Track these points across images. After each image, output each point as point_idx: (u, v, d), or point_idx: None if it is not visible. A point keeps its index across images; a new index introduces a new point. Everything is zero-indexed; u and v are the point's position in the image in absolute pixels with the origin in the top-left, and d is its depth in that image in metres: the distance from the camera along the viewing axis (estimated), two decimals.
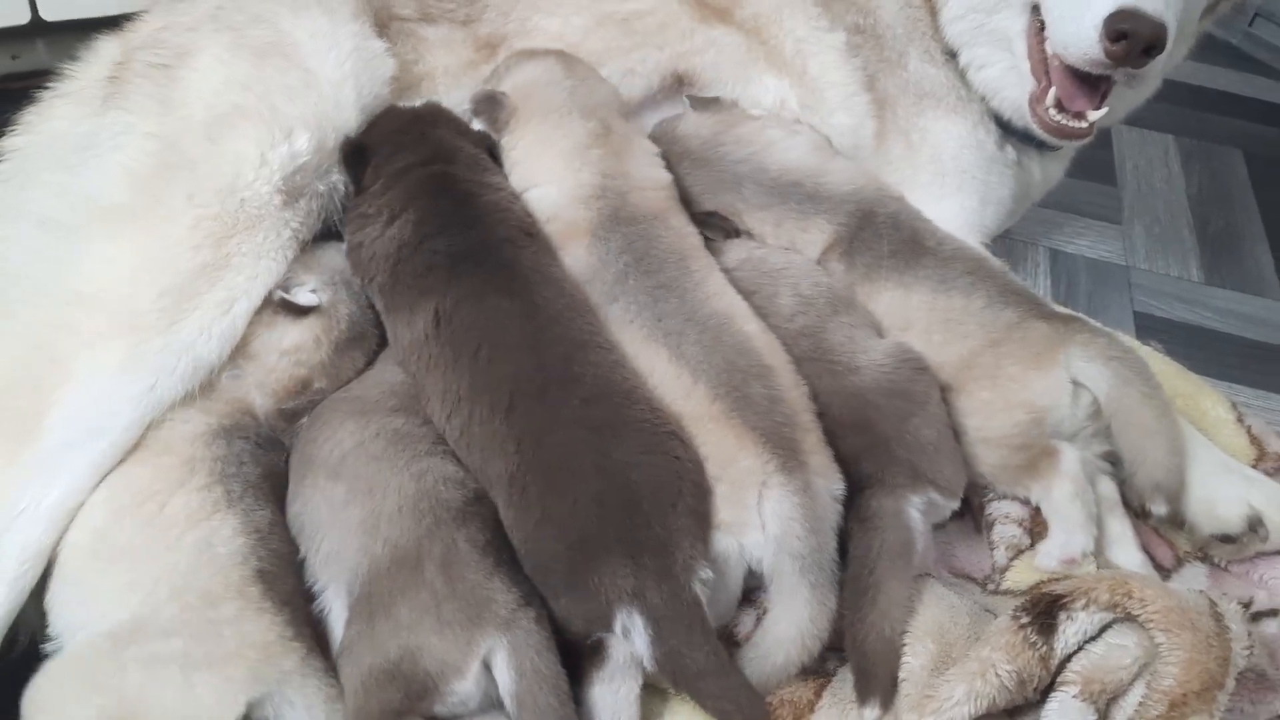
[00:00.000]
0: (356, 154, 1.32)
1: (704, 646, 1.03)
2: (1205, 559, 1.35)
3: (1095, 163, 2.17)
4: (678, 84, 1.60)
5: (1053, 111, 1.48)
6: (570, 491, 1.07)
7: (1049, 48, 1.48)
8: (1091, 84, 1.46)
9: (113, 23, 1.47)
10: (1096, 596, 1.09)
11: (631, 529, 1.05)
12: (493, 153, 1.40)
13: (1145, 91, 1.62)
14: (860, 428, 1.22)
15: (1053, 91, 1.48)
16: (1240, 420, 1.48)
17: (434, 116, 1.38)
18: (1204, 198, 2.14)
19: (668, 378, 1.20)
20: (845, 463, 1.20)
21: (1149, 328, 1.78)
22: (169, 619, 1.00)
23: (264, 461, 1.18)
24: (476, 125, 1.42)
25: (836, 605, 1.12)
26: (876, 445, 1.21)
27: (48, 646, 1.05)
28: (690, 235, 1.36)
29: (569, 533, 1.06)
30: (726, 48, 1.60)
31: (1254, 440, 1.46)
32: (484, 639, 1.01)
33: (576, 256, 1.31)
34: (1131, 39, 1.34)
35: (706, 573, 1.06)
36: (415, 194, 1.27)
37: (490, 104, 1.41)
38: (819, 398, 1.23)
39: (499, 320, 1.18)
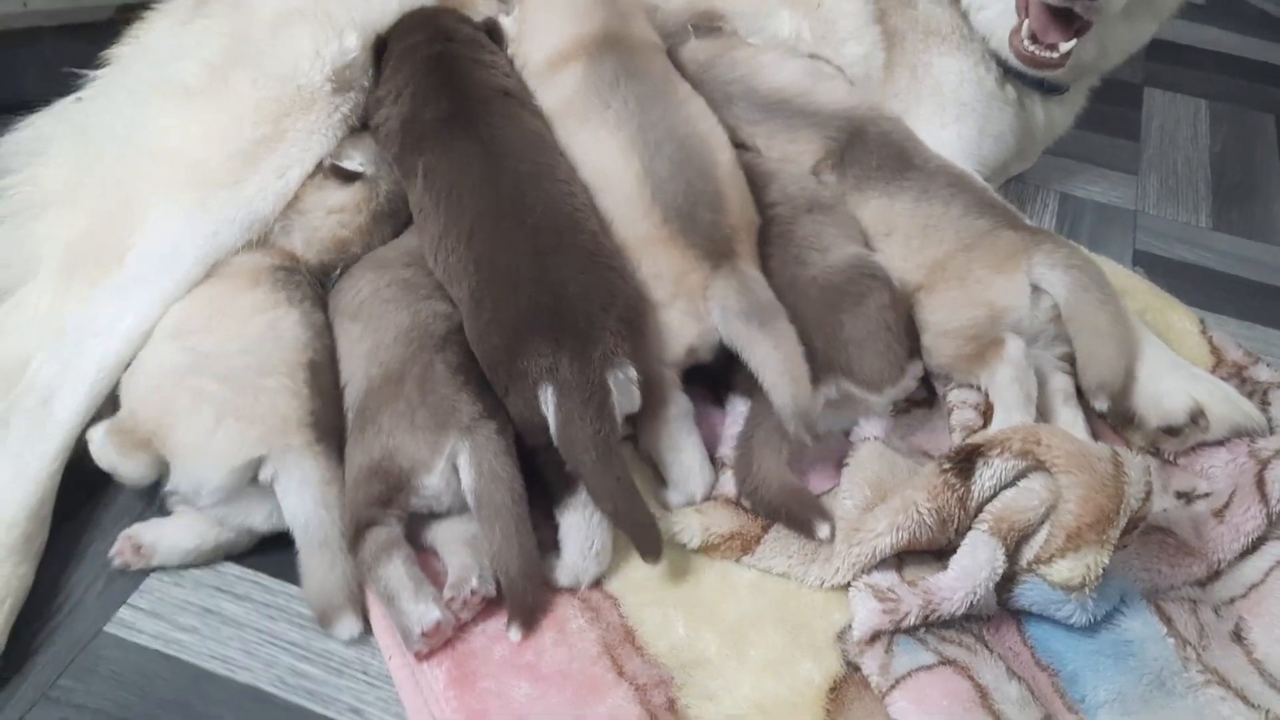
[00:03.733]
0: (379, 47, 1.52)
1: (595, 424, 1.15)
2: (1156, 453, 1.44)
3: (1122, 121, 2.24)
4: (703, 17, 1.76)
5: (1027, 43, 1.60)
6: (513, 298, 1.22)
7: None
8: (1064, 19, 1.57)
9: None
10: (1010, 445, 1.21)
11: (557, 320, 1.20)
12: (493, 35, 1.57)
13: (1135, 35, 1.72)
14: (789, 315, 1.32)
15: (1026, 24, 1.59)
16: (1204, 332, 1.57)
17: (440, 10, 1.57)
18: (1226, 155, 2.18)
19: (633, 194, 1.36)
20: None
21: (1145, 264, 1.85)
22: (229, 369, 1.21)
23: (318, 291, 1.39)
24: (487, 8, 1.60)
25: (793, 330, 1.27)
26: (800, 334, 1.30)
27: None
28: (675, 71, 1.52)
29: (508, 329, 1.21)
30: None
31: (1214, 350, 1.55)
32: (448, 441, 1.17)
33: (574, 73, 1.47)
34: None
35: (626, 374, 1.19)
36: (415, 73, 1.45)
37: None
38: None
39: (464, 162, 1.35)
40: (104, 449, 1.19)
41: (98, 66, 1.58)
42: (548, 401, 1.17)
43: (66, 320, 1.31)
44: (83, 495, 1.29)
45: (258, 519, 1.21)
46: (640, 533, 1.17)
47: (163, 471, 1.20)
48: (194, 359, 1.22)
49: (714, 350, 1.34)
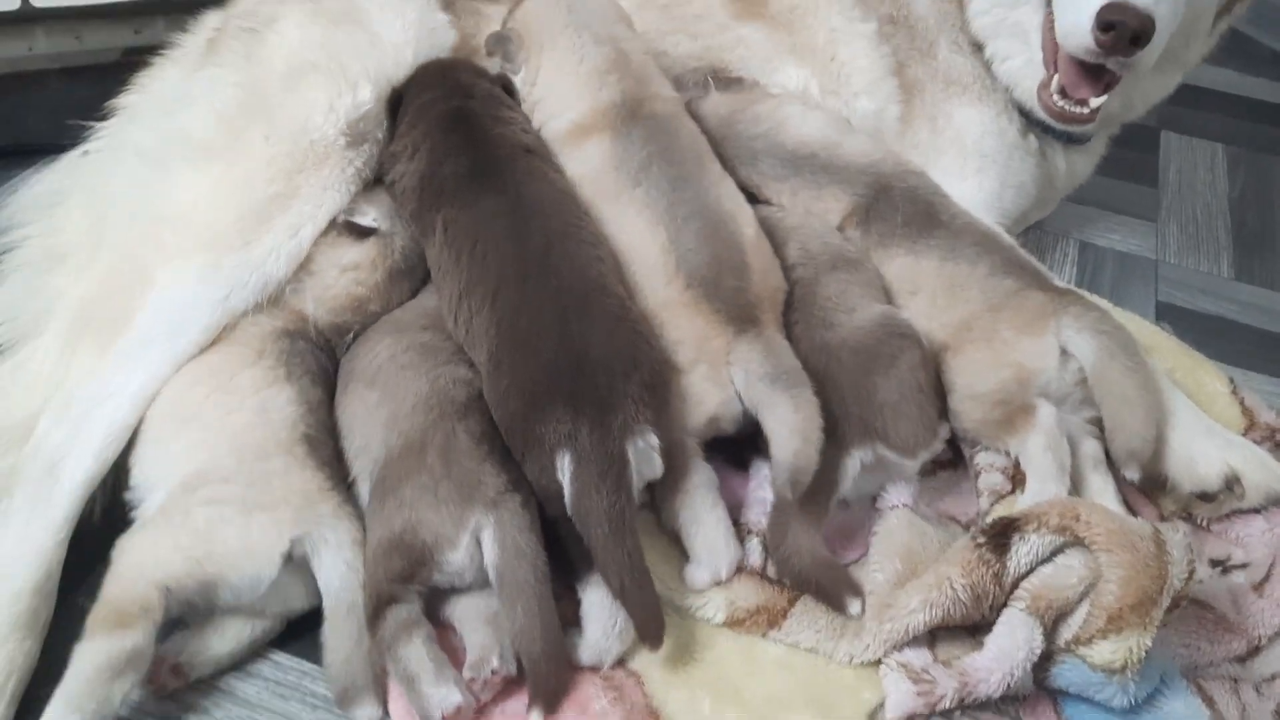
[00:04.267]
0: (394, 101, 1.49)
1: (610, 497, 1.10)
2: (1188, 518, 1.41)
3: (1139, 165, 2.22)
4: (709, 73, 1.74)
5: (1056, 98, 1.58)
6: (534, 361, 1.19)
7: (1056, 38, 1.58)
8: (1094, 74, 1.55)
9: (221, 0, 1.69)
10: (1047, 520, 1.17)
11: (577, 386, 1.16)
12: (509, 90, 1.54)
13: (1160, 86, 1.70)
14: (819, 379, 1.30)
15: (1056, 78, 1.57)
16: (1235, 393, 1.54)
17: (456, 64, 1.55)
18: (1245, 201, 2.16)
19: (656, 263, 1.34)
20: None
21: (1169, 317, 1.82)
22: (228, 468, 1.17)
23: (320, 360, 1.35)
24: (492, 68, 1.56)
25: (817, 400, 1.24)
26: (831, 398, 1.29)
27: (127, 494, 1.22)
28: (704, 140, 1.49)
29: (527, 393, 1.17)
30: (754, 45, 1.73)
31: (1246, 411, 1.52)
32: (473, 515, 1.13)
33: (601, 148, 1.44)
34: (1119, 29, 1.44)
35: (648, 441, 1.15)
36: (433, 128, 1.42)
37: (500, 41, 1.55)
38: (790, 345, 1.34)
39: (490, 217, 1.32)
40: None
41: (104, 112, 1.56)
42: (564, 470, 1.14)
43: (74, 384, 1.27)
44: (87, 567, 1.24)
45: (298, 598, 1.17)
46: (645, 615, 1.13)
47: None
48: (185, 485, 1.17)
49: (737, 421, 1.30)
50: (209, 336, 1.32)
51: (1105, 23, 1.45)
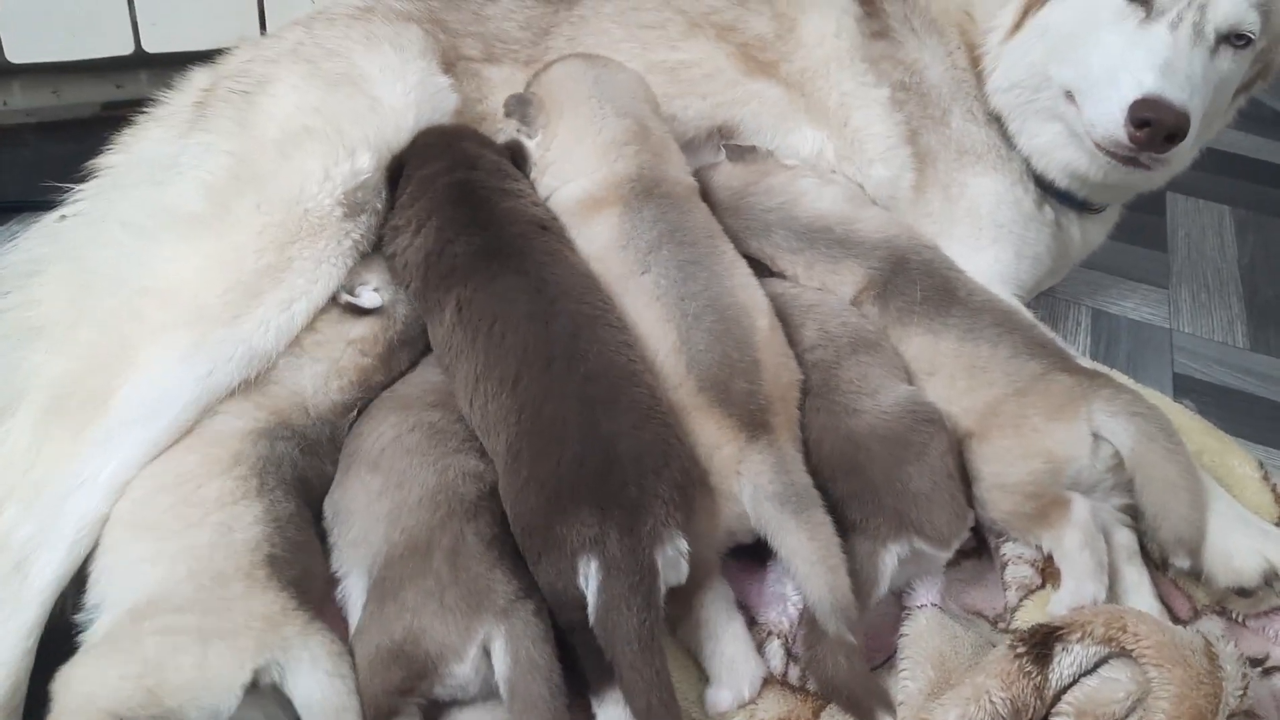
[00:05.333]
0: (394, 169, 1.41)
1: (641, 613, 1.03)
2: (1222, 612, 1.35)
3: (1147, 229, 2.18)
4: (719, 132, 1.68)
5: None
6: (556, 454, 1.11)
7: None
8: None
9: (208, 56, 1.61)
10: (1092, 630, 1.11)
11: (605, 485, 1.08)
12: (516, 160, 1.48)
13: (1180, 159, 1.65)
14: (849, 470, 1.26)
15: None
16: (1266, 478, 1.48)
17: (459, 131, 1.48)
18: (1256, 267, 2.13)
19: (666, 365, 1.27)
20: (834, 508, 1.22)
21: (1187, 389, 1.78)
22: (183, 596, 1.08)
23: (302, 465, 1.25)
24: (509, 130, 1.51)
25: (830, 521, 1.18)
26: (864, 490, 1.24)
27: (79, 616, 1.12)
28: (717, 224, 1.43)
29: (548, 489, 1.09)
30: (768, 101, 1.68)
31: (1278, 498, 1.46)
32: (482, 626, 1.05)
33: (610, 224, 1.38)
34: (1155, 127, 1.39)
35: (678, 548, 1.09)
36: (439, 203, 1.35)
37: (521, 104, 1.50)
38: (812, 433, 1.28)
39: (510, 296, 1.24)
40: None
41: (83, 171, 1.48)
42: (589, 577, 1.06)
43: (45, 472, 1.19)
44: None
45: None
46: None
47: None
48: (135, 613, 1.08)
49: (752, 534, 1.22)
50: (190, 416, 1.24)
51: (1140, 119, 1.40)
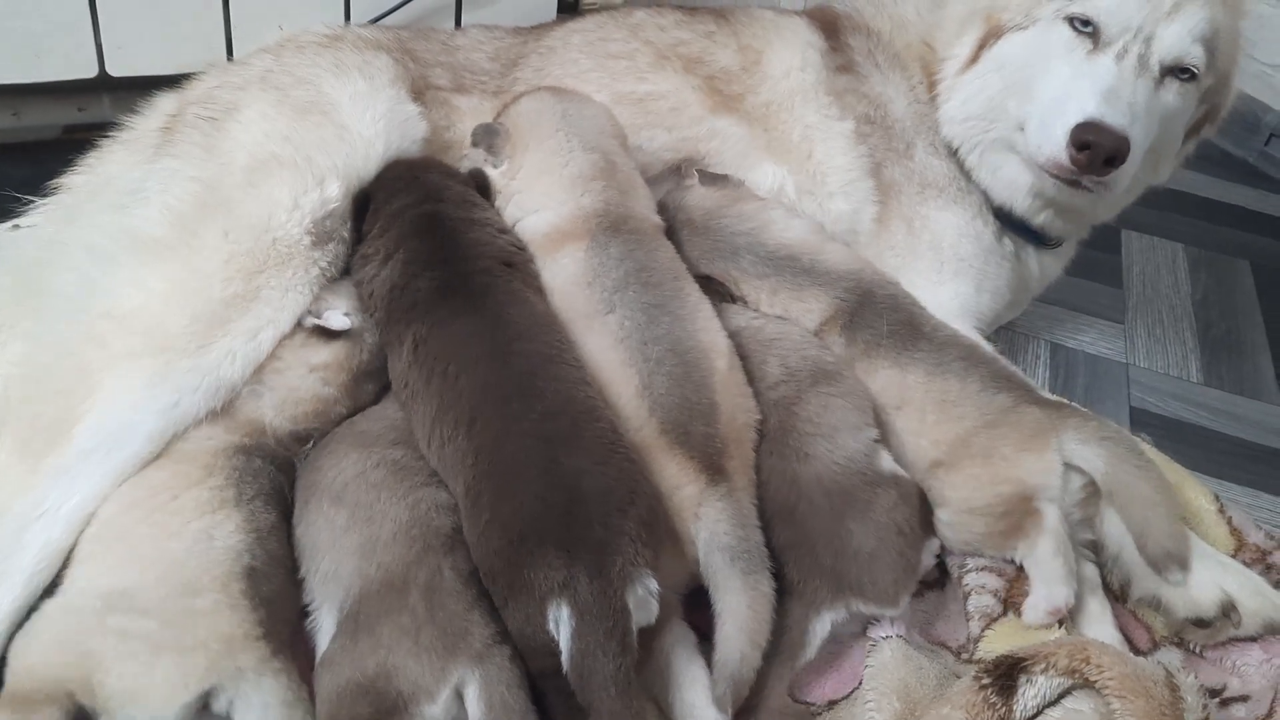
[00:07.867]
0: (360, 202, 1.40)
1: (616, 658, 1.01)
2: (1181, 644, 1.37)
3: (1102, 265, 2.23)
4: (683, 163, 1.69)
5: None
6: (517, 494, 1.09)
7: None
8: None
9: (174, 80, 1.60)
10: (1055, 661, 1.12)
11: (570, 526, 1.06)
12: (480, 189, 1.47)
13: (1128, 195, 1.68)
14: (787, 518, 1.25)
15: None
16: (1221, 511, 1.51)
17: (425, 164, 1.47)
18: (1209, 304, 2.18)
19: (630, 406, 1.26)
20: (774, 556, 1.22)
21: (1144, 423, 1.81)
22: (150, 600, 1.06)
23: (277, 480, 1.24)
24: (473, 158, 1.50)
25: (773, 591, 1.17)
26: (801, 543, 1.24)
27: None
28: (681, 263, 1.44)
29: (511, 531, 1.07)
30: (730, 138, 1.70)
31: (1234, 531, 1.49)
32: (457, 668, 1.03)
33: (575, 258, 1.38)
34: (1094, 149, 1.43)
35: (647, 587, 1.06)
36: (406, 234, 1.35)
37: (488, 133, 1.50)
38: (761, 474, 1.28)
39: (465, 338, 1.23)
40: None
41: (44, 189, 1.46)
42: (560, 623, 1.04)
43: (3, 500, 1.16)
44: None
45: None
46: None
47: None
48: (106, 600, 1.06)
49: None
50: (154, 448, 1.22)
51: (1081, 142, 1.43)
